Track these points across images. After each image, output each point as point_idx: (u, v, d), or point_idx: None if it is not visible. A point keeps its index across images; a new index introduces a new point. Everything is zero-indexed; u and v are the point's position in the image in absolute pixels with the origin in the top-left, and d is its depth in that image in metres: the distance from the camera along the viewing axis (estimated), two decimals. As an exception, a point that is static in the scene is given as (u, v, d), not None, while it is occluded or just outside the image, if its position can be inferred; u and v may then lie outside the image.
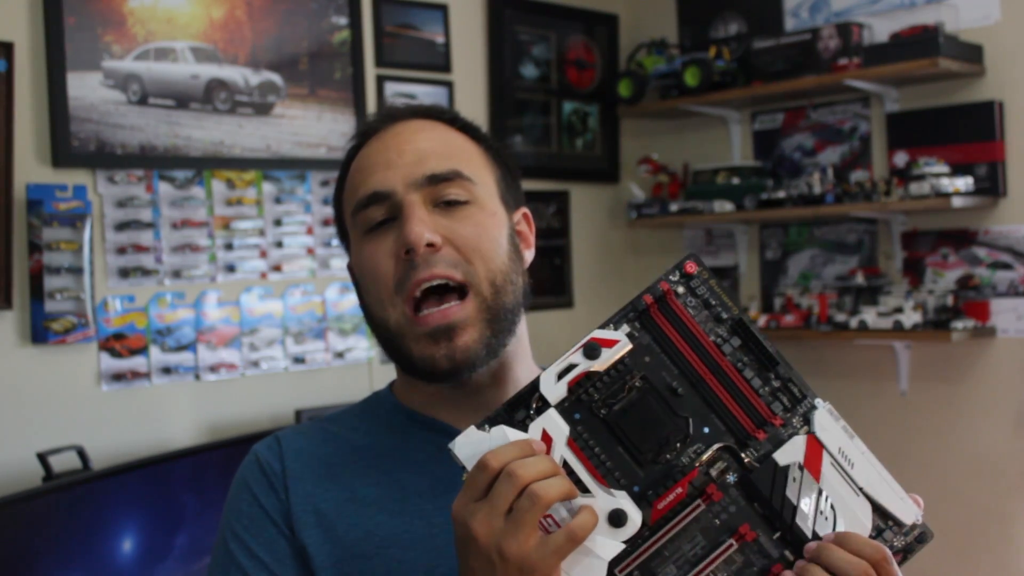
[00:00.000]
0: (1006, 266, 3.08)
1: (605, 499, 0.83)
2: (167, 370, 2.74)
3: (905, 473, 3.68)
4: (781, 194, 3.31)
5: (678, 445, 0.85)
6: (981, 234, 3.13)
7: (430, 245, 1.01)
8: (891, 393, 3.31)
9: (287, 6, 2.98)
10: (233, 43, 2.87)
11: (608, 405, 0.86)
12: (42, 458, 2.36)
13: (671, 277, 0.89)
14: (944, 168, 3.02)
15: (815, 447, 0.85)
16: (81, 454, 2.44)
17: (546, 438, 0.84)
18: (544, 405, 0.85)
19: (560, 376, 0.85)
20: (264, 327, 2.92)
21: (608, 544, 0.82)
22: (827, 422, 0.86)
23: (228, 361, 2.85)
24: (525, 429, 0.85)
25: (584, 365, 0.85)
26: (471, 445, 0.84)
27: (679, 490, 0.84)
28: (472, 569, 0.83)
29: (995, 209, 3.09)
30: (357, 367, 3.13)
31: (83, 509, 2.27)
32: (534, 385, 0.86)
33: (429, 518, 1.02)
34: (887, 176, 3.22)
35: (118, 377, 2.65)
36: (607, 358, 0.85)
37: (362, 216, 1.06)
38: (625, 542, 0.82)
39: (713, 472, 0.85)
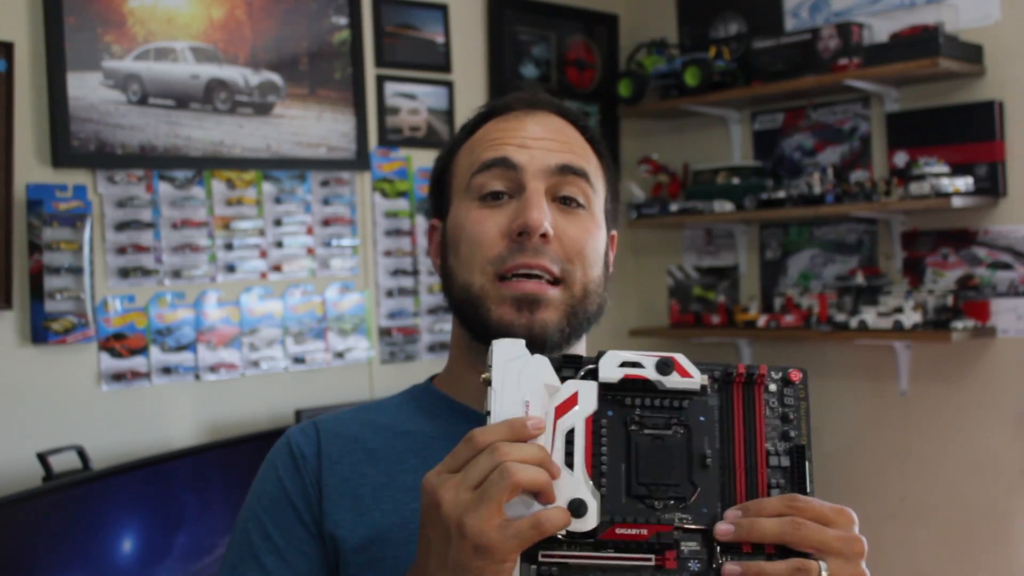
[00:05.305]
0: (1006, 266, 3.08)
1: (580, 486, 0.81)
2: (167, 370, 2.74)
3: (905, 473, 3.65)
4: (781, 194, 3.31)
5: (671, 502, 0.83)
6: (981, 234, 3.12)
7: (543, 235, 1.02)
8: (891, 393, 3.31)
9: (287, 6, 2.97)
10: (233, 43, 2.87)
11: (641, 424, 0.84)
12: (42, 458, 2.36)
13: (772, 373, 0.88)
14: (944, 168, 3.02)
15: None
16: (81, 454, 2.44)
17: (572, 400, 0.83)
18: (593, 377, 0.84)
19: (623, 364, 0.84)
20: (264, 327, 2.92)
21: None
22: None
23: (228, 361, 2.85)
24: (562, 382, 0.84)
25: (648, 372, 0.84)
26: (506, 352, 0.84)
27: (643, 531, 0.82)
28: (428, 540, 0.82)
29: (995, 209, 3.09)
30: (357, 367, 3.13)
31: (83, 509, 2.27)
32: (594, 358, 0.85)
33: None
34: (887, 176, 3.21)
35: (118, 377, 2.65)
36: (672, 383, 0.84)
37: (480, 179, 1.07)
38: (569, 532, 0.80)
39: (684, 548, 0.83)
